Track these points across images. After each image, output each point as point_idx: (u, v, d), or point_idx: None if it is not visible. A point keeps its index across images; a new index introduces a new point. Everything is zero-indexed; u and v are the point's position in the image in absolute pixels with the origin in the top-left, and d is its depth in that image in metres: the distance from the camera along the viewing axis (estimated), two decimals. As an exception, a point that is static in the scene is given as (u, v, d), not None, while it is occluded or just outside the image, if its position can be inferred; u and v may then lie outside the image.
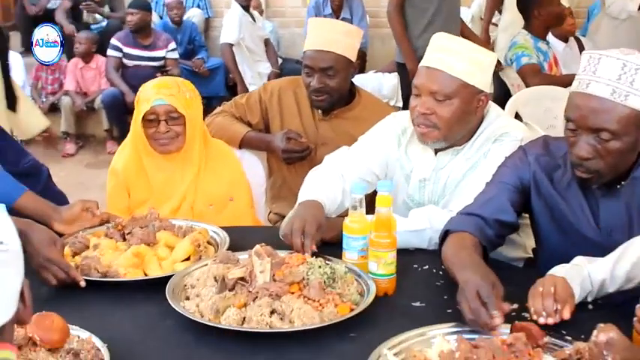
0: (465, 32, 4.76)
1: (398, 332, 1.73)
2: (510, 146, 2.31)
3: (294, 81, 3.18)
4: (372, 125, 2.65)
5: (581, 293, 1.83)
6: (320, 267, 1.94)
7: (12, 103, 3.73)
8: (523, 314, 1.82)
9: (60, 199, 2.73)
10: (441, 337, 1.68)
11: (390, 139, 2.54)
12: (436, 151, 2.44)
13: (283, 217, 2.62)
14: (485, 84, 2.35)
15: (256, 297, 1.85)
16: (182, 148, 2.68)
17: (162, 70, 6.53)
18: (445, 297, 1.97)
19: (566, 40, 5.17)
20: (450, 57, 2.29)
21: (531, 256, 2.50)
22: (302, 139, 3.04)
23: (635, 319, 1.67)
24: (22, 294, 1.05)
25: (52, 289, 2.02)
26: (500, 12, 6.80)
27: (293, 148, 3.03)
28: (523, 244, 2.50)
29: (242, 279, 1.90)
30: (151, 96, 2.65)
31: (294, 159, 3.05)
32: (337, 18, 7.04)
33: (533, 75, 4.61)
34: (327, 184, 2.41)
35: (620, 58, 1.84)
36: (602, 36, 5.73)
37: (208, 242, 2.27)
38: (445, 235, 2.05)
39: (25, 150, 2.79)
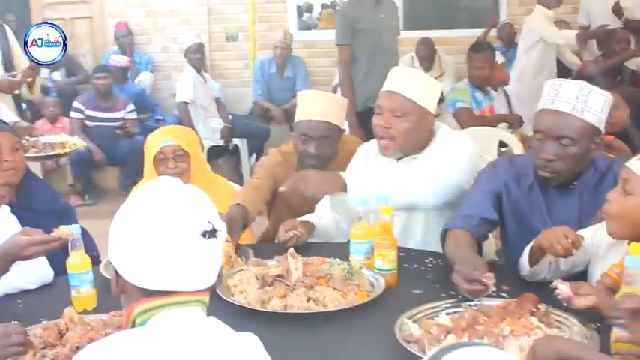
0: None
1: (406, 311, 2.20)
2: (453, 143, 2.89)
3: (286, 153, 3.42)
4: (349, 158, 3.15)
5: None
6: (339, 264, 2.43)
7: None
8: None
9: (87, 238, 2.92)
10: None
11: (359, 168, 3.06)
12: (397, 160, 2.95)
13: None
14: (433, 106, 2.92)
15: (294, 288, 2.30)
16: (187, 184, 3.12)
17: (122, 128, 6.98)
18: (437, 285, 2.46)
19: (496, 89, 5.83)
20: (406, 82, 2.88)
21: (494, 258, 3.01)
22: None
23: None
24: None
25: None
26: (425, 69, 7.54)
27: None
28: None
29: (279, 276, 2.36)
30: (159, 140, 3.13)
31: None
32: (282, 76, 7.69)
33: (467, 117, 5.28)
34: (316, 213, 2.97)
35: (577, 83, 2.43)
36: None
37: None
38: (444, 232, 2.57)
39: (56, 193, 3.14)
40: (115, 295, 1.56)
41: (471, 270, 2.21)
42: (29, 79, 4.94)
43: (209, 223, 1.44)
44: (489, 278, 2.19)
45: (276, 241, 2.95)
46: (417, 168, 2.89)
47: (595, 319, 2.05)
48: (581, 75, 5.95)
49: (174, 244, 1.41)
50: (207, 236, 1.44)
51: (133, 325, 1.46)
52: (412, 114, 2.84)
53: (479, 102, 5.50)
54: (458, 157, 2.86)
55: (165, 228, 1.41)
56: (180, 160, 3.12)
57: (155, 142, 3.14)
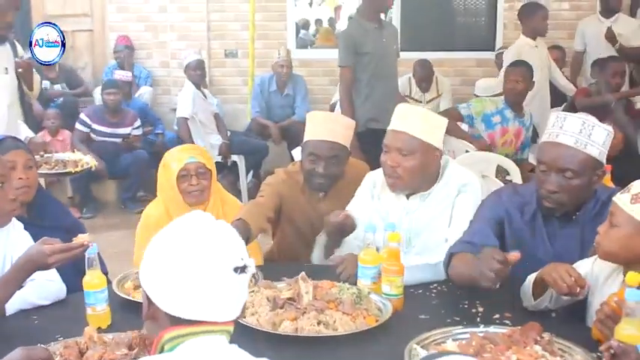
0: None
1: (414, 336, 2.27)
2: (473, 194, 2.95)
3: (291, 172, 3.49)
4: (355, 181, 3.23)
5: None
6: (348, 289, 2.50)
7: None
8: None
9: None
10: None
11: (366, 197, 3.14)
12: (407, 196, 3.03)
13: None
14: (439, 142, 2.99)
15: (305, 312, 2.36)
16: (208, 201, 3.21)
17: (127, 142, 7.05)
18: (443, 311, 2.54)
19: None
20: (410, 120, 2.94)
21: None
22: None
23: (594, 319, 2.21)
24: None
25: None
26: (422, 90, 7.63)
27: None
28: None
29: (290, 299, 2.43)
30: (182, 156, 3.21)
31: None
32: (282, 94, 7.75)
33: (451, 119, 5.35)
34: None
35: (580, 117, 2.51)
36: None
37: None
38: (449, 257, 2.64)
39: (67, 209, 3.20)
40: (144, 320, 1.64)
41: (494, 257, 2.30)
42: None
43: (241, 259, 1.55)
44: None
45: (324, 229, 3.04)
46: (426, 217, 2.96)
47: (597, 348, 2.12)
48: (574, 104, 6.07)
49: (209, 277, 1.52)
50: (239, 272, 1.54)
51: (162, 351, 1.55)
52: (418, 152, 2.91)
53: (507, 119, 5.45)
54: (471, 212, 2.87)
55: (201, 262, 1.51)
56: (202, 177, 3.22)
57: (177, 159, 3.23)
